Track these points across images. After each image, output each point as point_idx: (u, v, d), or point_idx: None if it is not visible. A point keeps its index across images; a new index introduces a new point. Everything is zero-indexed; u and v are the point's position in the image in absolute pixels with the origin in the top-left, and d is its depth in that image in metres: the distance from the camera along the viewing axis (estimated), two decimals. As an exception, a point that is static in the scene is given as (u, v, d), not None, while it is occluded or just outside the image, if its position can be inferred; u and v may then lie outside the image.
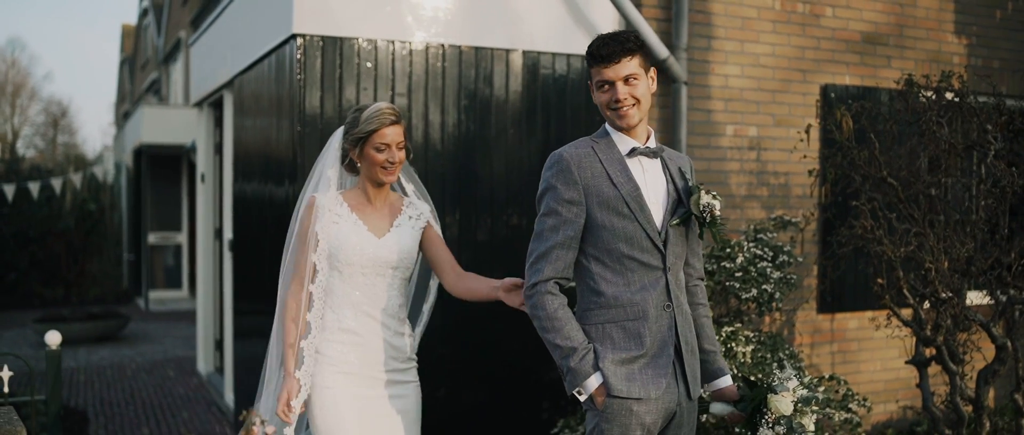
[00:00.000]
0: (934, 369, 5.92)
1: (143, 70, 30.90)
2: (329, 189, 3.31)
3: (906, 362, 5.33)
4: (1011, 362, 4.97)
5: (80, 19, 79.74)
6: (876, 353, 6.54)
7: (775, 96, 6.12)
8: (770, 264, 4.23)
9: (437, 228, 3.47)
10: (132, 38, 35.72)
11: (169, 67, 24.92)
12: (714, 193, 2.92)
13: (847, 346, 6.42)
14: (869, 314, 6.42)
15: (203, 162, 8.67)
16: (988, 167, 4.45)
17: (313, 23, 5.08)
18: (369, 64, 5.23)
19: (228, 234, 7.41)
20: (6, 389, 4.30)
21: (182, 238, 16.59)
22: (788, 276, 4.30)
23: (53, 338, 4.84)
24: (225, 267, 7.61)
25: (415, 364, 3.40)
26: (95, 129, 67.44)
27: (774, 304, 4.25)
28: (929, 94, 4.84)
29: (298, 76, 5.07)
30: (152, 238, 16.04)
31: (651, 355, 2.82)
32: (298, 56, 5.06)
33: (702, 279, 3.05)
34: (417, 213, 3.41)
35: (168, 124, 14.50)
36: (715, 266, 4.40)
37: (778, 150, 6.14)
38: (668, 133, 5.78)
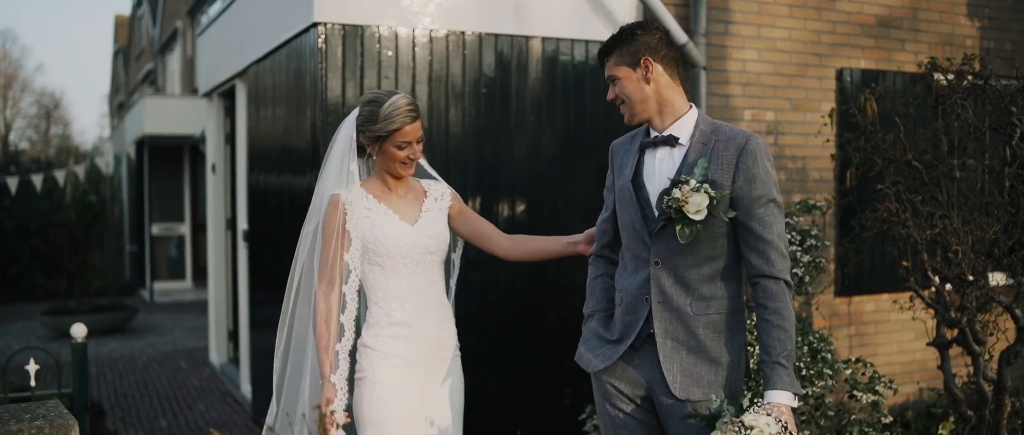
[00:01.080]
0: (952, 351, 5.94)
1: (138, 60, 30.79)
2: (354, 184, 3.16)
3: (928, 344, 5.34)
4: (1033, 343, 4.99)
5: (72, 10, 79.42)
6: (892, 335, 6.57)
7: (792, 80, 6.13)
8: (799, 248, 4.24)
9: (461, 201, 3.43)
10: (126, 29, 35.58)
11: (165, 57, 24.83)
12: (700, 187, 2.67)
13: (864, 329, 6.45)
14: (886, 297, 6.45)
15: (213, 152, 8.65)
16: (1013, 149, 4.46)
17: (333, 11, 5.06)
18: (390, 52, 5.22)
19: (243, 224, 7.40)
20: (33, 383, 4.29)
21: (185, 229, 16.56)
22: (817, 260, 4.31)
23: (79, 331, 4.81)
24: (239, 257, 7.60)
25: (458, 353, 3.37)
26: (88, 121, 67.25)
27: (804, 288, 4.25)
28: (950, 77, 4.85)
29: (320, 65, 5.05)
30: (155, 229, 16.01)
31: (616, 341, 2.93)
32: (320, 45, 5.04)
33: (766, 275, 2.72)
34: (440, 193, 3.35)
35: (171, 114, 14.47)
36: (745, 251, 4.41)
37: (795, 134, 6.15)
38: (687, 118, 5.78)
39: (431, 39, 5.31)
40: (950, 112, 4.48)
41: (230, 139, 8.37)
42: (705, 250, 2.78)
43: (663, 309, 2.82)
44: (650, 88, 2.83)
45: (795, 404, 2.66)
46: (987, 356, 5.09)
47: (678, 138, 2.85)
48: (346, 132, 3.22)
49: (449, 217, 3.34)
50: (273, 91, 6.12)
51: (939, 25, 6.66)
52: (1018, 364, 6.58)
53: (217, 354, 8.87)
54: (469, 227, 3.36)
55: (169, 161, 16.24)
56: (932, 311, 5.42)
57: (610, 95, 2.93)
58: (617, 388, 2.93)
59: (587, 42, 5.72)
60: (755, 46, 5.99)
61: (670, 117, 2.87)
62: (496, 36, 5.48)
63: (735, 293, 2.82)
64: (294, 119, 5.64)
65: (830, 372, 4.14)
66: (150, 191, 15.59)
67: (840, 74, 6.22)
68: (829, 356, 4.24)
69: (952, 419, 5.73)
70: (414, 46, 5.27)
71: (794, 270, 4.20)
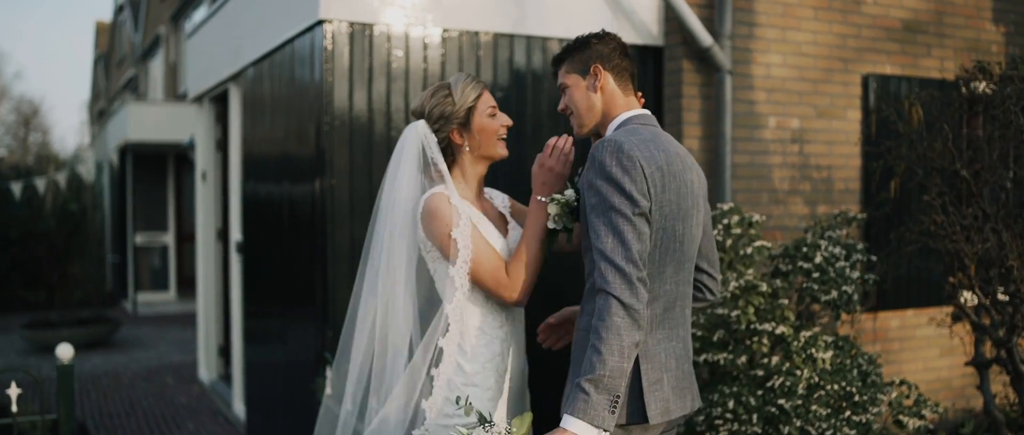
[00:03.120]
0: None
1: (119, 67, 30.32)
2: (450, 183, 2.75)
3: (966, 363, 5.08)
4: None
5: (52, 17, 78.71)
6: (917, 353, 6.30)
7: (817, 86, 5.85)
8: (846, 264, 3.95)
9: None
10: (107, 35, 35.07)
11: (148, 64, 24.43)
12: (561, 196, 2.69)
13: (889, 346, 6.17)
14: (911, 312, 6.19)
15: (204, 160, 8.29)
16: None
17: (340, 7, 4.75)
18: (400, 52, 4.90)
19: (236, 235, 7.05)
20: (15, 408, 3.96)
21: (169, 239, 16.14)
22: (866, 277, 4.02)
23: (65, 352, 4.45)
24: (232, 270, 7.25)
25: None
26: (68, 128, 66.54)
27: (853, 306, 3.96)
28: (985, 85, 4.60)
29: (326, 65, 4.73)
30: (138, 239, 15.59)
31: None
32: (326, 44, 4.72)
33: (596, 288, 2.44)
34: (501, 200, 3.05)
35: (155, 121, 14.04)
36: (791, 266, 4.11)
37: (820, 143, 5.87)
38: (712, 125, 5.49)
39: (444, 40, 5.00)
40: (1000, 119, 4.21)
41: (221, 146, 8.03)
42: (586, 263, 2.63)
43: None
44: (597, 97, 2.67)
45: None
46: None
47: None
48: (413, 142, 2.80)
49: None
50: (272, 95, 5.79)
51: (964, 30, 6.41)
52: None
53: (206, 371, 8.50)
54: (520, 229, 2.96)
55: (153, 169, 15.82)
56: (969, 328, 5.15)
57: (560, 105, 2.78)
58: None
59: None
60: (780, 50, 5.71)
61: (604, 129, 2.71)
62: (512, 37, 5.17)
63: None
64: (295, 124, 5.31)
65: (883, 397, 3.84)
66: (133, 200, 15.16)
67: (866, 80, 5.95)
68: (878, 380, 3.94)
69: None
70: (426, 47, 4.96)
71: (844, 288, 3.90)
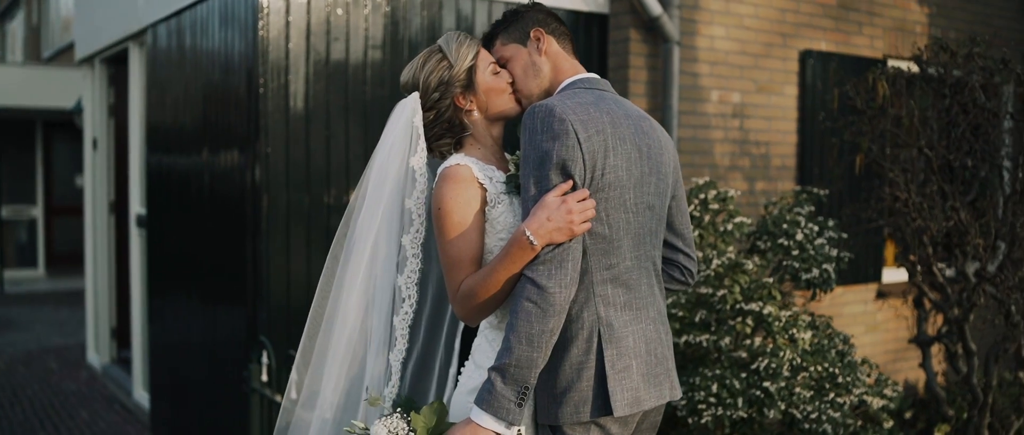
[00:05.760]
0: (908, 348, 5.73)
1: (-30, 28, 28.26)
2: (462, 153, 2.42)
3: (909, 341, 5.10)
4: (1021, 340, 4.79)
5: None
6: (845, 330, 6.34)
7: (757, 61, 5.77)
8: (825, 241, 3.84)
9: None
10: (-45, -7, 32.65)
11: (5, 25, 22.83)
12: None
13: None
14: (840, 290, 6.21)
15: (94, 127, 7.63)
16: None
17: (277, -39, 4.34)
18: (340, 10, 4.53)
19: (137, 208, 6.50)
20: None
21: (37, 212, 15.05)
22: (841, 255, 3.92)
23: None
24: (132, 245, 6.69)
25: None
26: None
27: (831, 285, 3.86)
28: (908, 66, 4.61)
29: (261, 23, 4.32)
30: (3, 212, 14.47)
31: None
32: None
33: None
34: None
35: (21, 85, 12.98)
36: (770, 243, 3.97)
37: (759, 118, 5.80)
38: (658, 97, 5.33)
39: (388, -2, 4.65)
40: (968, 99, 4.17)
41: (115, 111, 7.41)
42: None
43: None
44: (543, 60, 2.42)
45: (502, 431, 2.11)
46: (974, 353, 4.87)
47: None
48: (403, 118, 2.43)
49: None
50: (188, 55, 5.30)
51: (892, 10, 6.45)
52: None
53: (97, 354, 7.87)
54: None
55: (19, 136, 14.69)
56: (912, 306, 5.18)
57: (504, 80, 2.46)
58: None
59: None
60: (723, 22, 5.59)
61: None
62: (458, -2, 4.87)
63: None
64: (220, 88, 4.87)
65: (862, 378, 3.76)
66: (-3, 170, 14.06)
67: (804, 56, 5.90)
68: (853, 360, 3.85)
69: (905, 417, 5.52)
70: (368, 5, 4.60)
71: (825, 266, 3.79)
